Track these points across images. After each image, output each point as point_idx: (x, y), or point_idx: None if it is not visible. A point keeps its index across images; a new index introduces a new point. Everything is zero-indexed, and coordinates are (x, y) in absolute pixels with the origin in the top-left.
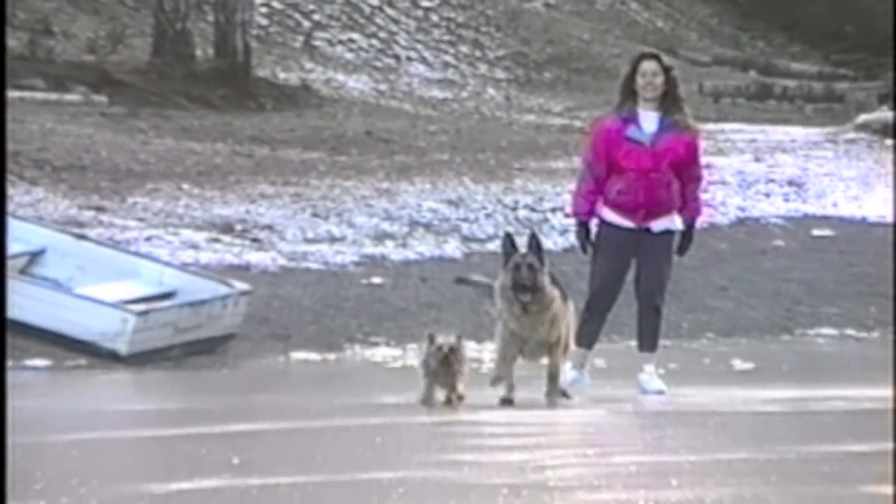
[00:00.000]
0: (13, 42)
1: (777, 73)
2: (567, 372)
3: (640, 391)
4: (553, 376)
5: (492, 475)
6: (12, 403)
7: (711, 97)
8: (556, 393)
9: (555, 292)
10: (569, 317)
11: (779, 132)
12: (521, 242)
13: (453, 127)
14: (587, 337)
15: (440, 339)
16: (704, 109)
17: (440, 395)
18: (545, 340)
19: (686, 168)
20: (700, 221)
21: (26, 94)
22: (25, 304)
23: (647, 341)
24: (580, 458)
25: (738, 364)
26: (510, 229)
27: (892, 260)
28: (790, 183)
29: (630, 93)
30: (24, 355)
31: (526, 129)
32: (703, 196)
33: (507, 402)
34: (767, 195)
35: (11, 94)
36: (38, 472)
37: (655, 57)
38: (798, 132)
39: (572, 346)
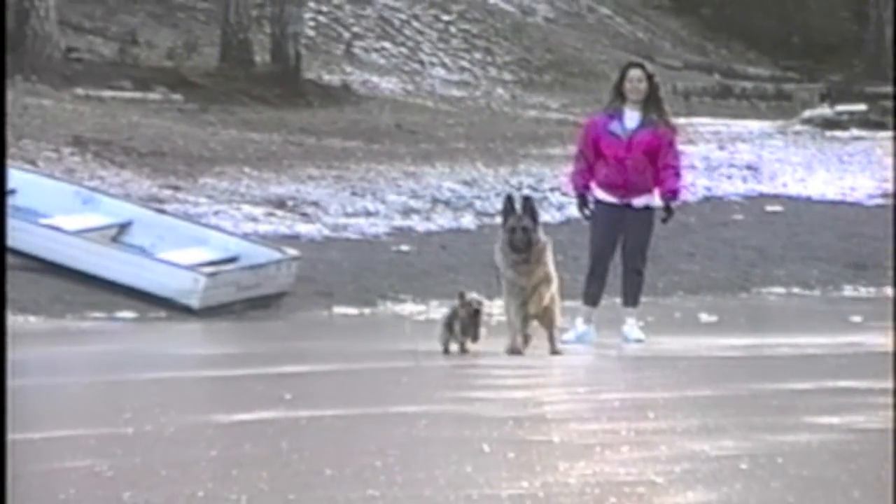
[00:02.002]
0: (107, 50)
1: (736, 76)
2: (579, 325)
3: (623, 340)
4: (555, 328)
5: (499, 409)
6: (104, 348)
7: (682, 96)
8: (558, 342)
9: (548, 247)
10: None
11: (738, 125)
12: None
13: (468, 120)
14: (591, 297)
15: (470, 297)
16: (677, 106)
17: (461, 345)
18: (539, 286)
19: (661, 157)
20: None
21: (117, 93)
22: (115, 266)
23: (630, 298)
24: (573, 395)
25: (704, 317)
26: (513, 192)
27: (893, 238)
28: (748, 167)
29: (619, 94)
30: (114, 308)
31: (528, 122)
32: (682, 175)
33: (515, 351)
34: (729, 177)
35: (105, 93)
36: (127, 404)
37: (641, 66)
38: (754, 125)
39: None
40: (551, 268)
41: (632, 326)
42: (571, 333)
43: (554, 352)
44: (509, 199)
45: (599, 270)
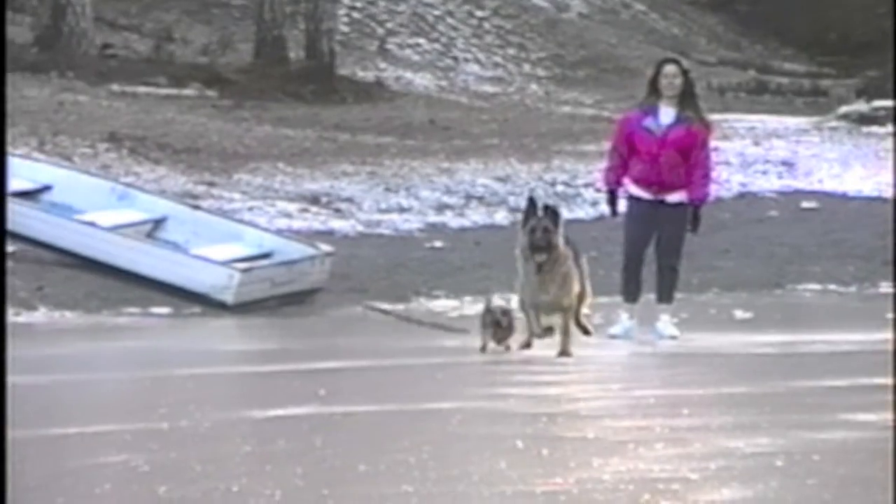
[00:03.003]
0: (142, 47)
1: (772, 72)
2: (624, 320)
3: (657, 336)
4: (565, 331)
5: (533, 405)
6: (139, 343)
7: (718, 92)
8: (567, 346)
9: (568, 252)
10: (583, 270)
11: (773, 121)
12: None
13: (502, 116)
14: (630, 294)
15: (496, 302)
16: (712, 102)
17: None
18: (556, 300)
19: (692, 155)
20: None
21: (152, 89)
22: (150, 262)
23: (664, 295)
24: (607, 392)
25: (739, 314)
26: (540, 193)
27: (892, 231)
28: (783, 163)
29: (654, 90)
30: (149, 304)
31: (562, 118)
32: (712, 176)
33: (527, 346)
34: (764, 173)
35: (140, 89)
36: (162, 399)
37: (676, 62)
38: (790, 121)
39: (589, 297)
40: (575, 279)
41: (666, 323)
42: (618, 328)
43: (564, 353)
44: (530, 201)
45: (634, 266)
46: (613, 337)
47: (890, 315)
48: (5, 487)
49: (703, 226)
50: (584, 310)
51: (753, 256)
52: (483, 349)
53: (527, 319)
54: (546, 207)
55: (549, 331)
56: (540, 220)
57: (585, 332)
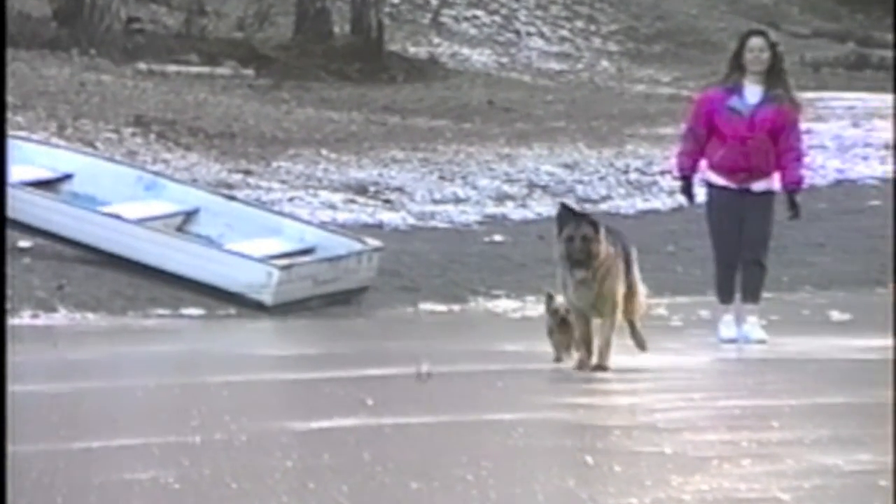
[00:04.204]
0: (171, 21)
1: (874, 45)
2: (758, 330)
3: (744, 340)
4: (605, 343)
5: (605, 417)
6: (168, 348)
7: (811, 67)
8: (606, 356)
9: (613, 259)
10: (633, 271)
11: (875, 99)
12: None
13: (569, 97)
14: (726, 294)
15: (560, 299)
16: (805, 79)
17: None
18: (600, 310)
19: (783, 138)
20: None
21: (182, 68)
22: (181, 258)
23: (750, 294)
24: (687, 402)
25: (836, 315)
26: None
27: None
28: (886, 146)
29: (738, 66)
30: (181, 305)
31: (636, 98)
32: (804, 161)
33: (583, 365)
34: (864, 158)
35: (169, 68)
36: (194, 409)
37: (763, 34)
38: (893, 99)
39: (642, 296)
40: (619, 283)
41: (753, 325)
42: (732, 331)
43: (599, 367)
44: (564, 207)
45: (725, 263)
46: (727, 341)
47: None
48: (5, 490)
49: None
50: (637, 321)
51: (852, 251)
52: (559, 360)
53: (577, 343)
54: (583, 214)
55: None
56: (578, 226)
57: (641, 346)
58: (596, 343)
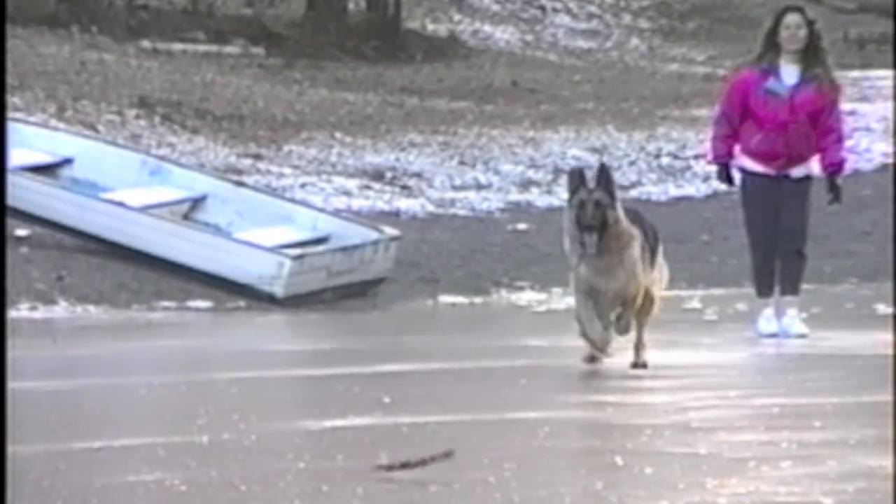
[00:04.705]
0: None
1: None
2: (798, 323)
3: (783, 334)
4: (638, 332)
5: (635, 416)
6: (174, 343)
7: (856, 44)
8: (641, 353)
9: (633, 231)
10: (659, 260)
11: None
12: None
13: (597, 76)
14: (764, 286)
15: None
16: (849, 57)
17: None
18: (621, 291)
19: (823, 120)
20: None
21: (189, 46)
22: (187, 248)
23: (789, 285)
24: (722, 400)
25: (881, 308)
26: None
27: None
28: None
29: (772, 45)
30: (187, 297)
31: (669, 78)
32: (847, 143)
33: (592, 359)
34: None
35: (175, 46)
36: (202, 408)
37: (799, 10)
38: None
39: (662, 288)
40: (638, 262)
41: (793, 318)
42: (771, 325)
43: (637, 364)
44: (577, 173)
45: (762, 253)
46: (766, 336)
47: None
48: (5, 490)
49: (836, 204)
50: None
51: None
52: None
53: (580, 325)
54: (601, 170)
55: (615, 324)
56: (591, 192)
57: (621, 332)
58: (613, 331)
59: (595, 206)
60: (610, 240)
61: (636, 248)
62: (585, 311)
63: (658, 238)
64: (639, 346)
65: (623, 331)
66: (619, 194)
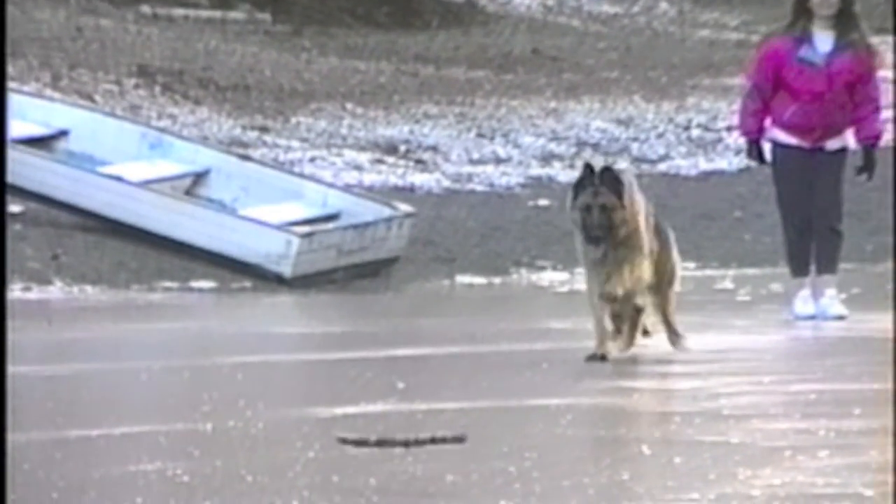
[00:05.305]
0: None
1: None
2: (837, 305)
3: (820, 316)
4: (634, 325)
5: (663, 403)
6: (177, 325)
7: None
8: (675, 330)
9: (641, 225)
10: (670, 249)
11: None
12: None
13: (623, 44)
14: (799, 265)
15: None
16: (886, 20)
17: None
18: (632, 294)
19: (860, 89)
20: (883, 141)
21: (191, 12)
22: (190, 225)
23: (826, 264)
24: (756, 386)
25: None
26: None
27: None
28: None
29: (803, 11)
30: (190, 277)
31: (699, 44)
32: (887, 114)
33: (595, 357)
34: None
35: (176, 11)
36: (205, 394)
37: None
38: None
39: (678, 282)
40: (645, 248)
41: (831, 299)
42: (808, 306)
43: (674, 342)
44: (587, 168)
45: (797, 230)
46: (802, 318)
47: None
48: (5, 488)
49: (879, 178)
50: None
51: None
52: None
53: (593, 319)
54: (604, 172)
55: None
56: (596, 193)
57: (643, 331)
58: (626, 329)
59: (601, 210)
60: (617, 243)
61: (646, 247)
62: (597, 311)
63: (661, 229)
64: (670, 330)
65: (667, 326)
66: (628, 190)
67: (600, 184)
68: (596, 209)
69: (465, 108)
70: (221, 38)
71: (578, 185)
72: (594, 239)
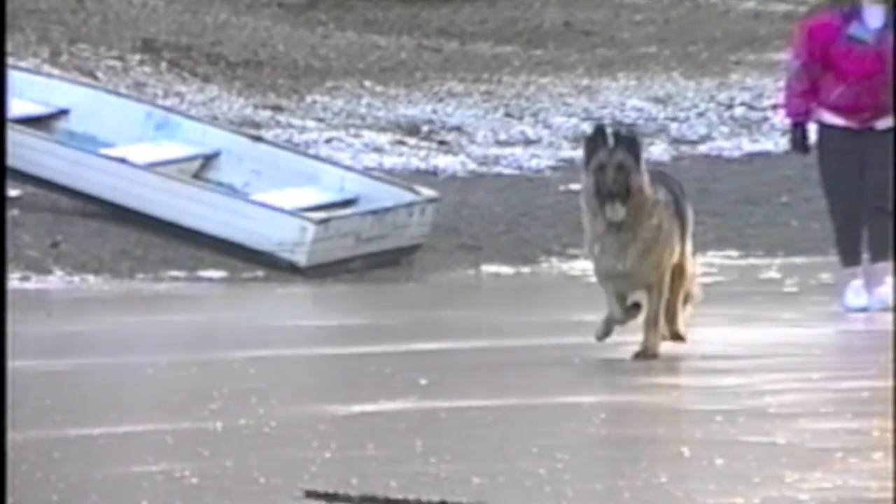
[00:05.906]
0: None
1: None
2: (857, 293)
3: (876, 307)
4: (651, 320)
5: (704, 400)
6: (185, 317)
7: None
8: (653, 343)
9: (661, 198)
10: (686, 230)
11: None
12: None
13: (662, 16)
14: (850, 254)
15: None
16: None
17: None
18: (640, 272)
19: None
20: None
21: None
22: (199, 210)
23: (880, 250)
24: (803, 383)
25: None
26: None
27: None
28: None
29: None
30: (198, 266)
31: (744, 17)
32: None
33: (644, 355)
34: None
35: None
36: (215, 390)
37: None
38: None
39: (691, 268)
40: (666, 241)
41: (886, 289)
42: (861, 298)
43: (644, 353)
44: (599, 131)
45: (845, 216)
46: (854, 310)
47: None
48: (5, 487)
49: None
50: (688, 307)
51: None
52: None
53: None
54: (618, 135)
55: (635, 308)
56: (612, 153)
57: (676, 336)
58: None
59: (617, 169)
60: (632, 212)
61: (664, 223)
62: (608, 296)
63: (684, 193)
64: (649, 333)
65: (648, 323)
66: (644, 156)
67: (616, 144)
68: (611, 168)
69: (492, 86)
70: (232, 11)
71: (590, 146)
72: (611, 196)
